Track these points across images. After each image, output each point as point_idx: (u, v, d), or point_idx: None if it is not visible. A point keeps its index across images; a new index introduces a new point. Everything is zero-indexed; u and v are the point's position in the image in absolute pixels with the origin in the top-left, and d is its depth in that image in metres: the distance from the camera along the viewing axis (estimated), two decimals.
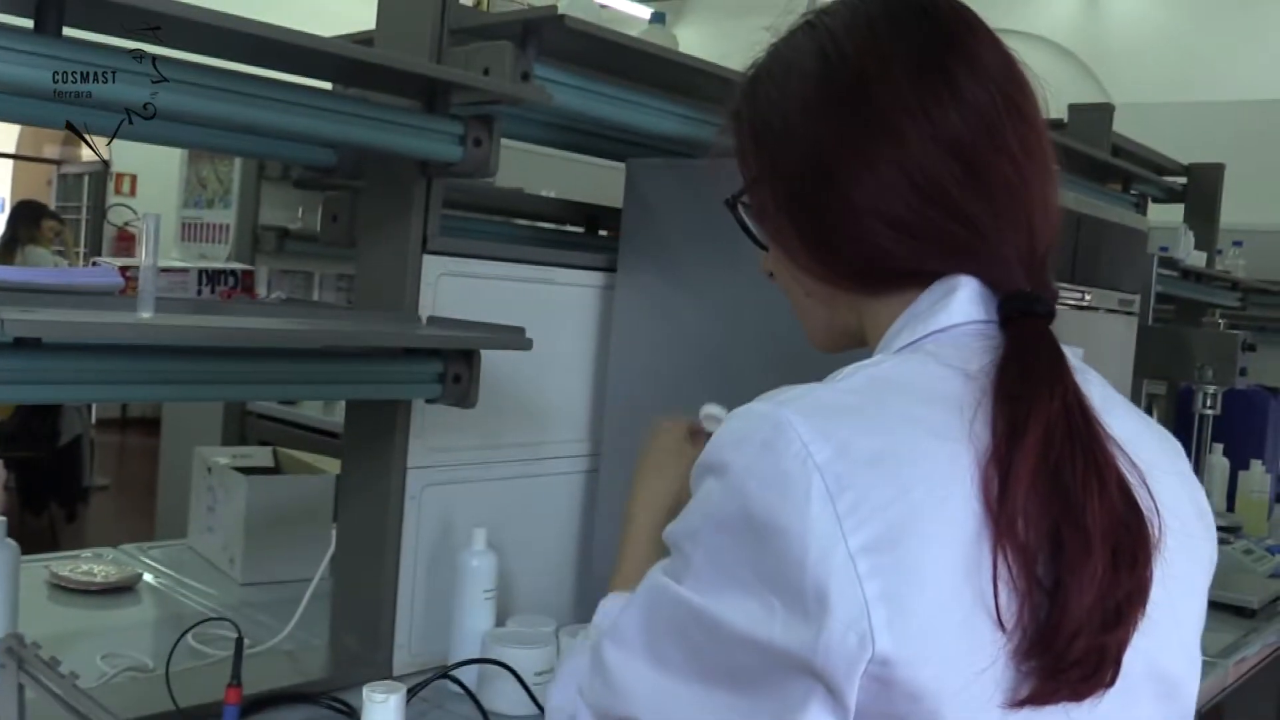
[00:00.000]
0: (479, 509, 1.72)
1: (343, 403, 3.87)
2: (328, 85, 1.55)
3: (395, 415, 1.60)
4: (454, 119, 1.49)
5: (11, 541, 1.40)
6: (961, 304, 0.81)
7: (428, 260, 1.59)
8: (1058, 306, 0.82)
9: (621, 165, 1.85)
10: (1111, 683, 0.73)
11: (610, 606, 1.01)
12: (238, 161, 3.91)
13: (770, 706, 0.73)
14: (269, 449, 2.27)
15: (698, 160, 1.78)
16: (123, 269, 1.43)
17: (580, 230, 2.01)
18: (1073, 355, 0.80)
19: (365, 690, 0.99)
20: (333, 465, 2.24)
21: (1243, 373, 3.03)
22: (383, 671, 1.63)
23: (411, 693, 1.44)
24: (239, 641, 1.25)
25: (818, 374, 1.59)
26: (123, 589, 1.91)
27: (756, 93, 0.91)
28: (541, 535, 1.85)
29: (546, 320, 1.60)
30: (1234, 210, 3.95)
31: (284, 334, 1.33)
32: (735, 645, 0.74)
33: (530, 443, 1.81)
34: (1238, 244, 4.35)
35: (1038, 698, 0.72)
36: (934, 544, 0.71)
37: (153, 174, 7.33)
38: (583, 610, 1.86)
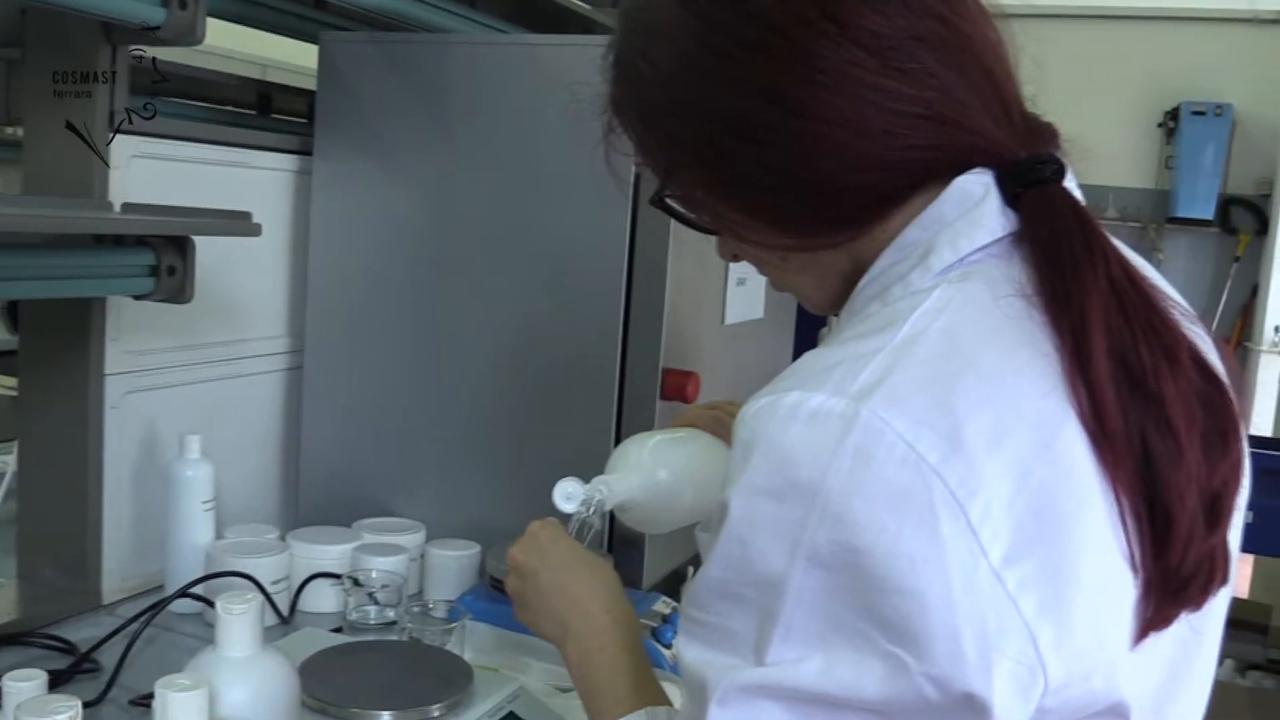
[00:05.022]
0: (183, 416, 1.58)
1: None
2: None
3: (90, 316, 1.42)
4: None
5: None
6: (994, 207, 0.68)
7: (119, 140, 1.41)
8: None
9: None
10: (1225, 579, 0.65)
11: None
12: None
13: None
14: None
15: (402, 35, 1.69)
16: None
17: (257, 112, 1.85)
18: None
19: (220, 604, 0.90)
20: None
21: None
22: (93, 601, 1.48)
23: (152, 614, 1.32)
24: None
25: (541, 254, 1.59)
26: None
27: (625, 72, 0.76)
28: (246, 439, 1.73)
29: (242, 207, 1.47)
30: None
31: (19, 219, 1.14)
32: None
33: (231, 341, 1.67)
34: None
35: (1160, 623, 0.64)
36: (1071, 520, 0.60)
37: None
38: (292, 516, 1.77)
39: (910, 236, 0.70)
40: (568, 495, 1.01)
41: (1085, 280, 0.63)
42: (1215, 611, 0.70)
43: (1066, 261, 0.64)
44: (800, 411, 0.61)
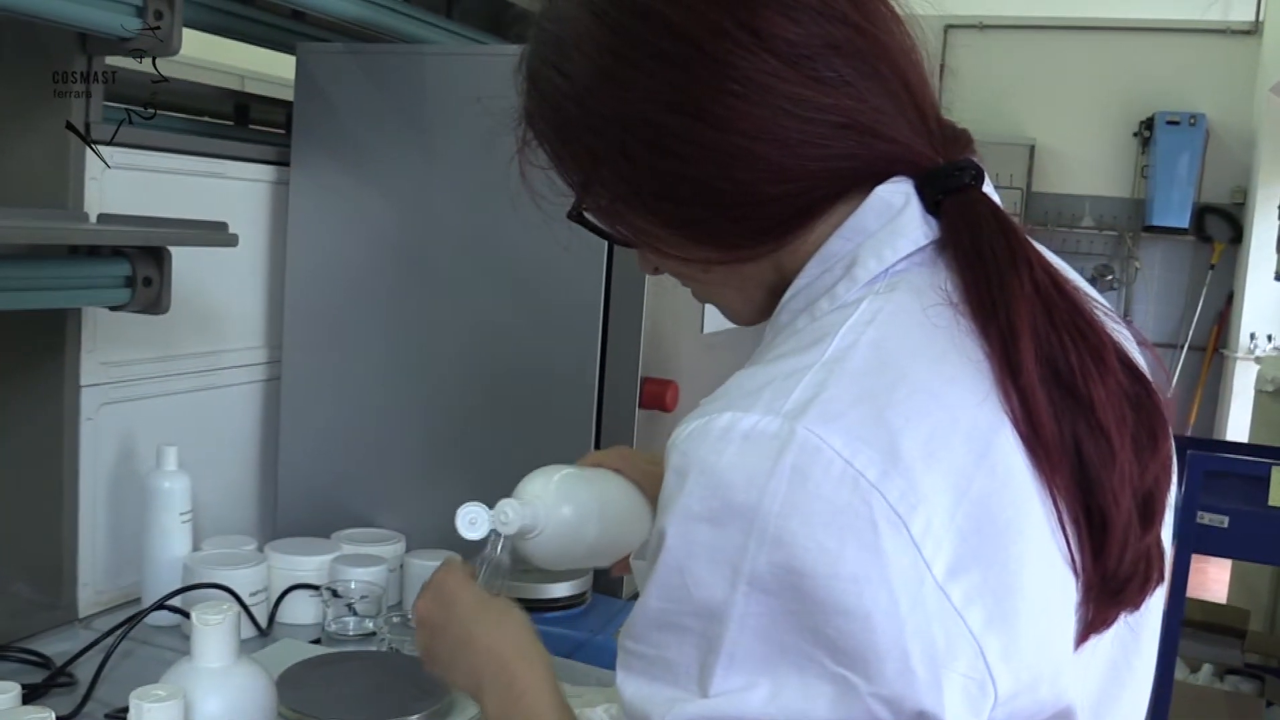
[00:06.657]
0: (159, 427, 1.57)
1: None
2: None
3: (64, 327, 1.41)
4: None
5: None
6: (916, 215, 0.68)
7: (92, 151, 1.41)
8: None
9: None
10: (1161, 577, 0.65)
11: None
12: None
13: None
14: None
15: (378, 45, 1.69)
16: None
17: (234, 123, 1.85)
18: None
19: (195, 614, 0.89)
20: None
21: None
22: (68, 615, 1.46)
23: (129, 627, 1.31)
24: None
25: (519, 264, 1.59)
26: None
27: (538, 85, 0.75)
28: (224, 451, 1.72)
29: (219, 218, 1.47)
30: None
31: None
32: None
33: (208, 352, 1.66)
34: None
35: (1101, 625, 0.64)
36: (1011, 528, 0.60)
37: None
38: (269, 528, 1.77)
39: (833, 247, 0.69)
40: (471, 521, 0.95)
41: (1011, 286, 0.63)
42: (1152, 610, 0.70)
43: (991, 268, 0.64)
44: (733, 433, 0.60)
